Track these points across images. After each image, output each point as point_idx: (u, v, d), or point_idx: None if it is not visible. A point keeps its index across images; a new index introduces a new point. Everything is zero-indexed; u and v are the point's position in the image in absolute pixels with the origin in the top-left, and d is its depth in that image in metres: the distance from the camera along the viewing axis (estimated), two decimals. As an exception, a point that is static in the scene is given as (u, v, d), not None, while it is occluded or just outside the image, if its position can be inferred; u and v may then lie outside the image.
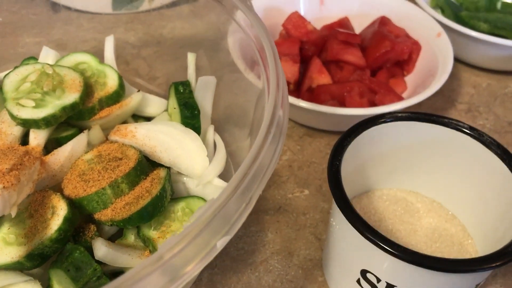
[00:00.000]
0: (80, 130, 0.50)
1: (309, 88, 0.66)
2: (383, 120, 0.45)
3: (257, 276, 0.50)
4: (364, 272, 0.41)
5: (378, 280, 0.40)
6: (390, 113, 0.46)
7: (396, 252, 0.36)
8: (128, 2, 0.81)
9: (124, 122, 0.54)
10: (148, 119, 0.55)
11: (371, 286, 0.41)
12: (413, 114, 0.46)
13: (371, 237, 0.37)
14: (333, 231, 0.45)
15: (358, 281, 0.42)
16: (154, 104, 0.55)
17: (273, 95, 0.37)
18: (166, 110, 0.55)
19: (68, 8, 0.79)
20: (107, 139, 0.51)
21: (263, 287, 0.49)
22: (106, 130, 0.52)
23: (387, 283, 0.40)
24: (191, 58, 0.55)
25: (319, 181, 0.59)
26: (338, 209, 0.40)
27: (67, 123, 0.51)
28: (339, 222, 0.42)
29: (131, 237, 0.44)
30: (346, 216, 0.38)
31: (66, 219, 0.40)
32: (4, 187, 0.37)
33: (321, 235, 0.54)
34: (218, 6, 0.73)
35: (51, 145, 0.49)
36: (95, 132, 0.50)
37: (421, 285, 0.38)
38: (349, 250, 0.42)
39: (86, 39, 0.77)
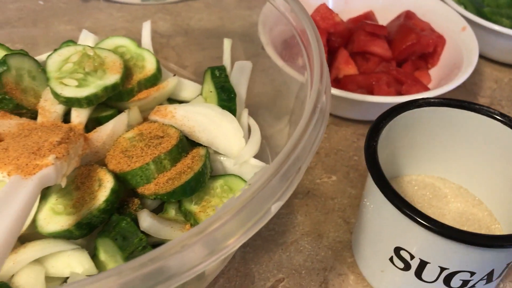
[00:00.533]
0: (119, 111, 0.52)
1: (335, 78, 0.68)
2: (417, 105, 0.46)
3: (288, 255, 0.51)
4: (397, 250, 0.42)
5: (412, 257, 0.42)
6: (423, 98, 0.47)
7: (433, 227, 0.37)
8: (157, -7, 0.82)
9: (159, 105, 0.56)
10: (182, 103, 0.57)
11: (404, 263, 0.43)
12: (445, 100, 0.47)
13: (409, 213, 0.38)
14: (366, 212, 0.46)
15: (391, 259, 0.44)
16: (188, 89, 0.57)
17: (317, 80, 0.38)
18: (200, 94, 0.57)
19: (97, -2, 0.80)
20: (143, 120, 0.53)
21: (294, 266, 0.51)
22: (143, 112, 0.54)
23: (421, 260, 0.41)
24: (227, 44, 0.57)
25: (346, 168, 0.61)
26: (374, 188, 0.41)
27: (105, 104, 0.53)
28: (375, 201, 0.43)
29: (172, 212, 0.45)
30: (384, 193, 0.39)
31: (113, 191, 0.41)
32: (56, 157, 0.39)
33: (350, 219, 0.55)
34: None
35: (91, 124, 0.50)
36: (134, 113, 0.52)
37: (454, 261, 0.40)
38: (384, 228, 0.43)
39: (115, 28, 0.79)
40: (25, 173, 0.37)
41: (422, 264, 0.41)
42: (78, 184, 0.43)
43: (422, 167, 0.53)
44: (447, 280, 0.41)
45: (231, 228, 0.29)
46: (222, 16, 0.81)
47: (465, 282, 0.41)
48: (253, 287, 0.49)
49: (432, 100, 0.47)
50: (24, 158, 0.39)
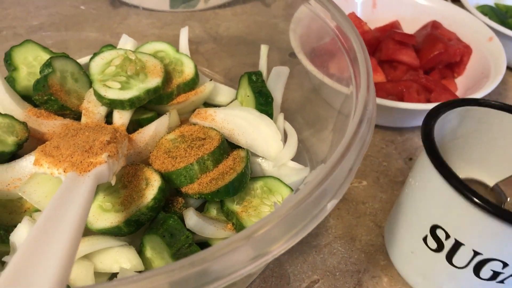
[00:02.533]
0: (158, 114, 0.54)
1: (357, 84, 0.69)
2: (468, 103, 0.46)
3: (322, 257, 0.52)
4: (434, 228, 0.43)
5: (447, 237, 0.42)
6: (474, 99, 0.47)
7: (479, 202, 0.38)
8: (186, 1, 0.84)
9: (196, 109, 0.58)
10: (217, 107, 0.58)
11: (437, 243, 0.44)
12: (497, 102, 0.47)
13: (457, 185, 0.39)
14: (408, 192, 0.47)
15: (425, 239, 0.45)
16: (224, 93, 0.59)
17: (364, 90, 0.39)
18: (235, 99, 0.58)
19: (127, 4, 0.83)
20: (181, 123, 0.54)
21: (328, 267, 0.51)
22: (180, 115, 0.55)
23: (456, 241, 0.42)
24: (264, 49, 0.58)
25: (376, 173, 0.62)
26: (425, 165, 0.43)
27: (144, 106, 0.54)
28: (422, 178, 0.44)
29: (213, 211, 0.46)
30: (436, 166, 0.40)
31: (161, 189, 0.43)
32: (109, 155, 0.40)
33: (381, 223, 0.56)
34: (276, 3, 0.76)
35: (131, 126, 0.52)
36: (174, 116, 0.53)
37: (490, 246, 0.40)
38: (425, 205, 0.44)
39: (145, 34, 0.80)
40: (80, 170, 0.39)
41: (456, 246, 0.42)
42: (125, 182, 0.44)
43: (464, 168, 0.53)
44: (477, 268, 0.42)
45: (279, 232, 0.30)
46: (249, 24, 0.83)
47: (495, 274, 0.42)
48: (288, 287, 0.50)
49: (482, 101, 0.47)
50: (78, 156, 0.40)
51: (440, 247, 0.44)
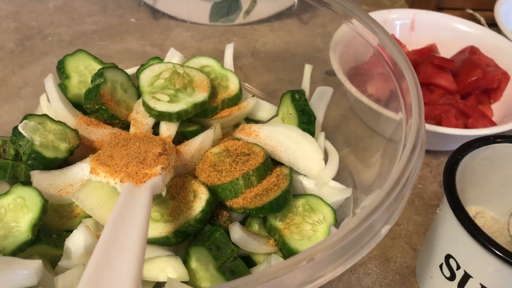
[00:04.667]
0: (202, 127, 0.55)
1: (395, 107, 0.70)
2: (499, 140, 0.47)
3: (356, 277, 0.53)
4: (448, 257, 0.45)
5: (458, 267, 0.44)
6: (508, 136, 0.48)
7: (479, 237, 0.40)
8: (225, 15, 0.86)
9: (237, 123, 0.59)
10: (258, 122, 0.60)
11: (450, 272, 0.45)
12: None
13: (463, 222, 0.41)
14: (435, 221, 0.48)
15: (441, 266, 0.47)
16: (265, 109, 0.60)
17: (416, 116, 0.40)
18: (276, 115, 0.59)
19: (168, 16, 0.85)
20: (222, 137, 0.56)
21: (363, 286, 0.52)
22: (222, 129, 0.56)
23: (465, 272, 0.44)
24: (307, 69, 0.59)
25: (411, 195, 0.62)
26: (444, 198, 0.44)
27: (188, 119, 0.56)
28: (443, 208, 0.46)
29: (255, 226, 0.48)
30: (450, 204, 0.42)
31: (208, 202, 0.44)
32: (162, 167, 0.42)
33: (415, 245, 0.56)
34: (313, 22, 0.78)
35: (176, 138, 0.53)
36: (218, 130, 0.54)
37: (495, 281, 0.41)
38: (442, 234, 0.46)
39: (185, 46, 0.82)
40: (136, 181, 0.40)
41: (465, 278, 0.44)
42: (173, 193, 0.45)
43: (488, 203, 0.54)
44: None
45: (336, 256, 0.31)
46: (287, 41, 0.84)
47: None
48: (324, 305, 0.51)
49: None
50: (133, 166, 0.41)
51: (452, 276, 0.46)
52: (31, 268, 0.36)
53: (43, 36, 0.80)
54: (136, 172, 0.41)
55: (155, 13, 0.86)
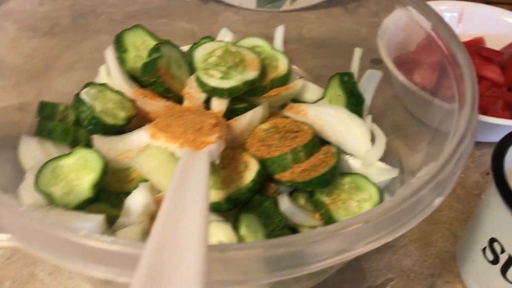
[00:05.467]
0: (250, 105, 0.57)
1: (442, 96, 0.70)
2: None
3: (397, 258, 0.54)
4: (492, 241, 0.46)
5: (502, 251, 0.44)
6: None
7: None
8: (272, 1, 0.87)
9: (284, 104, 0.60)
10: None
11: (493, 256, 0.46)
12: None
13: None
14: (479, 205, 0.49)
15: (484, 250, 0.47)
16: (312, 91, 0.61)
17: (469, 106, 0.41)
18: (322, 98, 0.61)
19: (215, 0, 0.86)
20: (269, 116, 0.57)
21: (403, 268, 0.53)
22: (269, 108, 0.58)
23: (509, 256, 0.44)
24: (357, 52, 0.60)
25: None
26: (491, 181, 0.45)
27: (237, 97, 0.57)
28: (489, 193, 0.46)
29: (301, 200, 0.49)
30: (497, 185, 0.43)
31: (259, 173, 0.46)
32: (218, 136, 0.44)
33: (456, 231, 0.57)
34: (359, 11, 0.78)
35: (225, 114, 0.55)
36: (265, 108, 0.56)
37: None
38: (487, 218, 0.46)
39: (232, 30, 0.84)
40: (194, 147, 0.42)
41: (510, 261, 0.44)
42: (225, 164, 0.47)
43: None
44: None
45: (390, 220, 0.32)
46: (332, 28, 0.85)
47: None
48: (364, 282, 0.52)
49: None
50: (191, 134, 0.43)
51: (496, 259, 0.46)
52: (95, 220, 0.39)
53: (96, 14, 0.82)
54: (194, 139, 0.43)
55: (204, -4, 0.87)
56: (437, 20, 0.50)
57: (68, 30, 0.80)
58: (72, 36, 0.79)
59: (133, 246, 0.27)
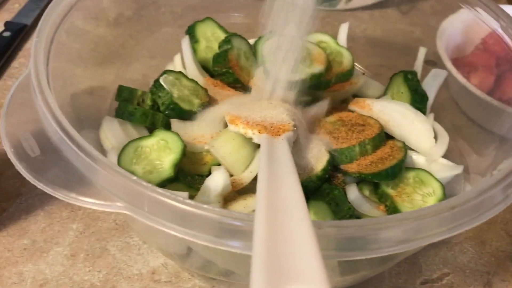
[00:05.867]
0: (314, 98, 0.59)
1: (499, 99, 0.71)
2: None
3: (452, 254, 0.55)
4: None
5: None
6: None
7: None
8: (328, 0, 0.89)
9: (344, 99, 0.62)
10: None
11: None
12: None
13: None
14: None
15: None
16: (374, 88, 0.63)
17: None
18: (383, 95, 0.62)
19: (271, -3, 0.88)
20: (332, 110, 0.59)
21: (459, 264, 0.54)
22: (332, 102, 0.60)
23: None
24: (422, 51, 0.62)
25: (508, 185, 0.63)
26: None
27: (302, 90, 0.59)
28: None
29: (366, 192, 0.51)
30: None
31: (329, 162, 0.48)
32: (294, 125, 0.46)
33: (512, 232, 0.58)
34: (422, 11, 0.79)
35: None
36: (329, 102, 0.58)
37: None
38: None
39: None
40: (272, 133, 0.44)
41: None
42: (295, 150, 0.49)
43: None
44: None
45: (470, 210, 0.34)
46: (386, 29, 0.86)
47: None
48: (420, 275, 0.53)
49: None
50: (267, 122, 0.46)
51: None
52: (182, 196, 0.41)
53: (157, 6, 0.85)
54: (271, 126, 0.45)
55: (260, -7, 0.89)
56: (509, 20, 0.51)
57: (131, 21, 0.83)
58: (135, 27, 0.82)
59: (243, 218, 0.29)
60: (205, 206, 0.30)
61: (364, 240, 0.33)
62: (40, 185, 0.33)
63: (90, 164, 0.33)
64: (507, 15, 0.52)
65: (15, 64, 0.78)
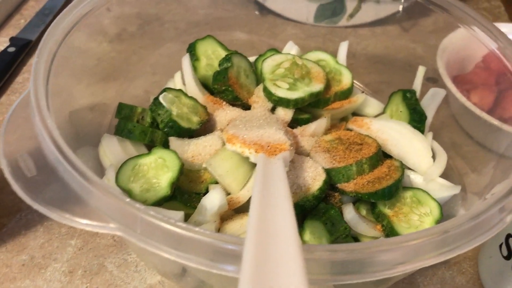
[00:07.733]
0: (313, 116, 0.59)
1: (499, 118, 0.71)
2: None
3: (450, 274, 0.55)
4: (508, 237, 0.48)
5: None
6: None
7: None
8: (329, 16, 0.90)
9: (344, 117, 0.62)
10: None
11: (508, 251, 0.48)
12: None
13: None
14: None
15: (500, 246, 0.49)
16: (373, 106, 0.63)
17: None
18: (382, 113, 0.62)
19: (274, 14, 0.89)
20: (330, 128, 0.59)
21: (457, 284, 0.54)
22: (331, 120, 0.60)
23: None
24: (421, 70, 0.62)
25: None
26: None
27: (300, 108, 0.60)
28: None
29: (363, 211, 0.51)
30: None
31: (325, 182, 0.48)
32: (290, 144, 0.46)
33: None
34: (421, 28, 0.80)
35: (289, 124, 0.57)
36: (328, 120, 0.58)
37: None
38: None
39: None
40: (269, 152, 0.44)
41: None
42: (291, 169, 0.49)
43: None
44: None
45: (463, 234, 0.34)
46: (388, 46, 0.87)
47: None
48: (418, 295, 0.53)
49: None
50: (264, 141, 0.46)
51: (509, 255, 0.48)
52: (177, 216, 0.41)
53: (161, 22, 0.87)
54: (268, 146, 0.45)
55: (262, 10, 0.90)
56: (506, 41, 0.51)
57: (135, 37, 0.84)
58: (138, 42, 0.83)
59: (235, 242, 0.29)
60: (196, 229, 0.30)
61: (357, 263, 0.33)
62: (35, 205, 0.34)
63: (84, 185, 0.33)
64: (504, 35, 0.52)
65: (19, 79, 0.79)
